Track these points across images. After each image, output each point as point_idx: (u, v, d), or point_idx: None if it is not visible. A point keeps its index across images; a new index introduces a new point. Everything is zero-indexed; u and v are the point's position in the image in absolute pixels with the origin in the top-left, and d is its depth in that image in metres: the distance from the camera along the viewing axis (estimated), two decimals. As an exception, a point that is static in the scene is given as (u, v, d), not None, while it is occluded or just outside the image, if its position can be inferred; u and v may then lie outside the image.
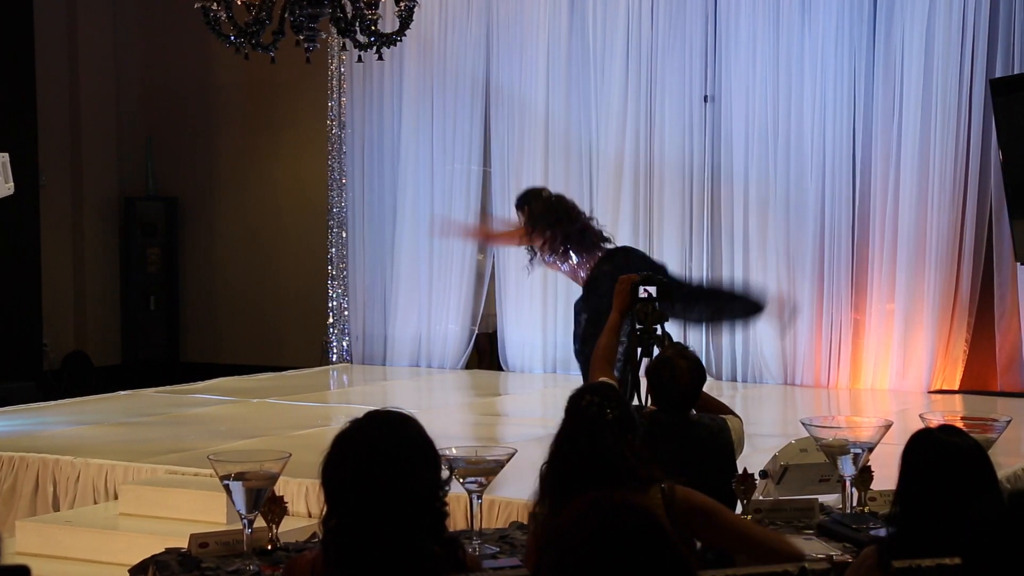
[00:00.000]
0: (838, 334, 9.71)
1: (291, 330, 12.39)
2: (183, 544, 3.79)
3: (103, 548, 5.71)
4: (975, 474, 3.05)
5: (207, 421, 8.16)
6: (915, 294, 9.47)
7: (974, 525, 2.36)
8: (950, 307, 9.41)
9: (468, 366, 11.08)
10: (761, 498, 4.30)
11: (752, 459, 4.99)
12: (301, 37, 7.47)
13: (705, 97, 10.11)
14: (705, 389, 4.62)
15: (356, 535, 2.74)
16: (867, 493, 4.21)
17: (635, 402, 5.08)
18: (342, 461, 2.80)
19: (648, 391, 4.61)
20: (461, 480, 3.81)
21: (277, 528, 3.78)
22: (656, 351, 4.98)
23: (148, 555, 3.80)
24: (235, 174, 12.78)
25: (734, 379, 10.02)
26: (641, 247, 9.43)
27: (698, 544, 3.36)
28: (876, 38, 9.58)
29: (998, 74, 9.15)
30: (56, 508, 6.52)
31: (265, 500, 3.68)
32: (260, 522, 3.72)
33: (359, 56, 7.94)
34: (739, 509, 4.23)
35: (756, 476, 4.37)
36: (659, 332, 5.11)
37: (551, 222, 7.80)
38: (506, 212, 10.21)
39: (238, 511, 3.67)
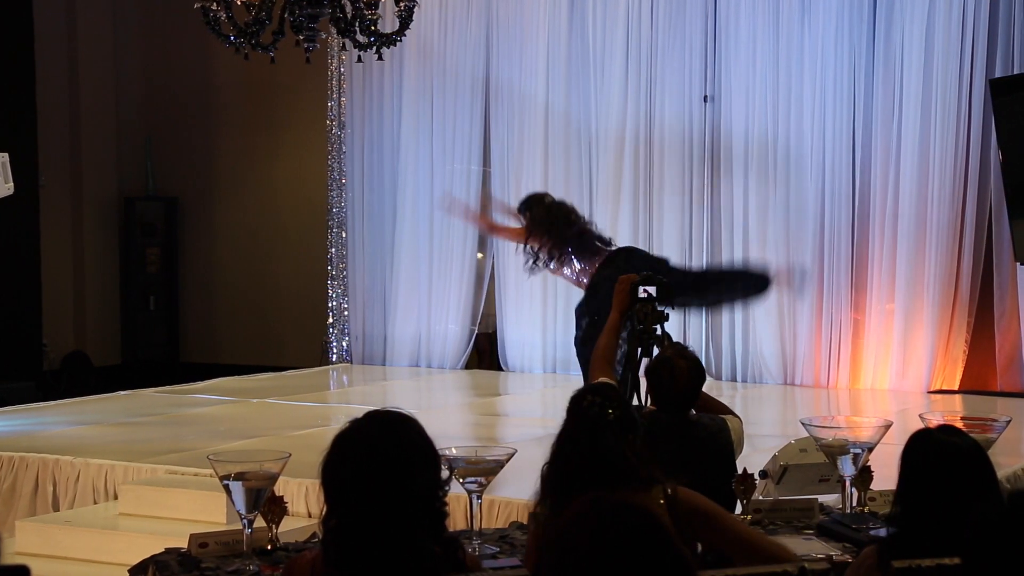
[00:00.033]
0: (838, 334, 9.71)
1: (291, 330, 12.39)
2: (183, 544, 3.78)
3: (103, 548, 5.71)
4: (974, 474, 3.05)
5: (207, 421, 8.17)
6: (915, 294, 9.47)
7: (974, 525, 2.36)
8: (950, 307, 9.41)
9: (468, 366, 11.09)
10: (761, 498, 4.30)
11: (752, 459, 4.99)
12: (301, 37, 7.47)
13: (705, 97, 10.11)
14: (705, 389, 4.61)
15: (356, 535, 2.74)
16: (867, 493, 4.21)
17: (635, 402, 5.08)
18: (342, 461, 2.80)
19: (647, 391, 4.61)
20: (461, 480, 3.81)
21: (277, 528, 3.78)
22: (656, 351, 4.98)
23: (148, 555, 3.80)
24: (235, 174, 12.78)
25: (734, 379, 10.02)
26: (641, 247, 9.42)
27: (699, 547, 3.36)
28: (876, 38, 9.58)
29: (998, 74, 9.15)
30: (56, 508, 6.52)
31: (265, 500, 3.68)
32: (260, 522, 3.72)
33: (359, 56, 7.94)
34: (739, 509, 4.23)
35: (756, 476, 4.37)
36: (659, 332, 5.11)
37: (548, 228, 7.86)
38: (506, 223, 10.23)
39: (238, 511, 3.67)
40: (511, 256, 10.13)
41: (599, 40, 10.38)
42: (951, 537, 2.72)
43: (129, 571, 3.81)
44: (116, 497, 6.32)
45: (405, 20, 7.76)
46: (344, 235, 11.36)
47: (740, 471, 4.28)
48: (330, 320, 11.39)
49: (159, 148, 12.98)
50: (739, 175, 9.98)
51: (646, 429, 3.54)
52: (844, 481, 4.11)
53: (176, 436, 7.47)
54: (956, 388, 9.39)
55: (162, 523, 5.79)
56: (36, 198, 11.59)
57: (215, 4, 7.34)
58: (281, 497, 3.80)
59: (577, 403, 3.44)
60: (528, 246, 7.96)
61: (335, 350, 11.37)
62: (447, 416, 8.76)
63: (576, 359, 7.93)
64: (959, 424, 4.34)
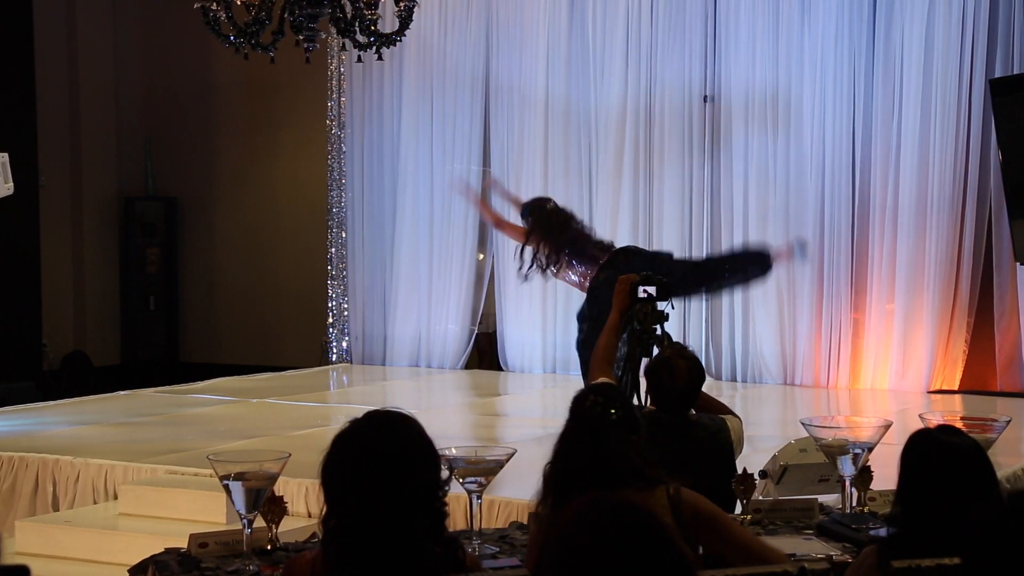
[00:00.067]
0: (838, 334, 9.71)
1: (291, 330, 12.39)
2: (183, 544, 3.78)
3: (103, 548, 5.71)
4: (974, 474, 3.05)
5: (207, 421, 8.17)
6: (915, 294, 9.47)
7: (974, 525, 2.35)
8: (950, 307, 9.41)
9: (468, 366, 11.09)
10: (761, 498, 4.30)
11: (752, 459, 4.99)
12: (300, 37, 7.47)
13: (705, 97, 10.12)
14: (704, 389, 4.62)
15: (356, 535, 2.74)
16: (867, 493, 4.20)
17: (635, 402, 5.08)
18: (342, 461, 2.80)
19: (647, 391, 4.61)
20: (461, 480, 3.81)
21: (277, 528, 3.78)
22: (655, 351, 4.98)
23: (148, 555, 3.80)
24: (235, 174, 12.78)
25: (734, 379, 10.02)
26: (641, 246, 9.41)
27: (699, 548, 3.36)
28: (876, 38, 9.59)
29: (998, 74, 9.15)
30: (56, 508, 6.52)
31: (265, 500, 3.68)
32: (260, 522, 3.72)
33: (359, 56, 7.94)
34: (739, 509, 4.23)
35: (756, 476, 4.37)
36: (659, 332, 5.11)
37: (547, 233, 7.90)
38: (505, 211, 10.21)
39: (238, 511, 3.67)
40: (511, 256, 10.14)
41: (599, 40, 10.38)
42: (951, 537, 2.72)
43: (129, 571, 3.81)
44: (116, 497, 6.32)
45: (405, 20, 7.76)
46: (344, 235, 11.36)
47: (740, 471, 4.28)
48: (330, 320, 11.39)
49: (159, 148, 12.98)
50: (739, 175, 9.98)
51: (646, 429, 3.54)
52: (844, 481, 4.10)
53: (176, 436, 7.47)
54: (956, 388, 9.40)
55: (162, 523, 5.79)
56: (36, 198, 11.60)
57: (215, 4, 7.34)
58: (281, 497, 3.80)
59: (580, 403, 3.44)
60: (528, 249, 7.99)
61: (335, 350, 11.37)
62: (447, 416, 8.76)
63: (577, 360, 7.93)
64: (959, 424, 4.34)
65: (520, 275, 8.10)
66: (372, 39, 7.66)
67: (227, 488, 3.65)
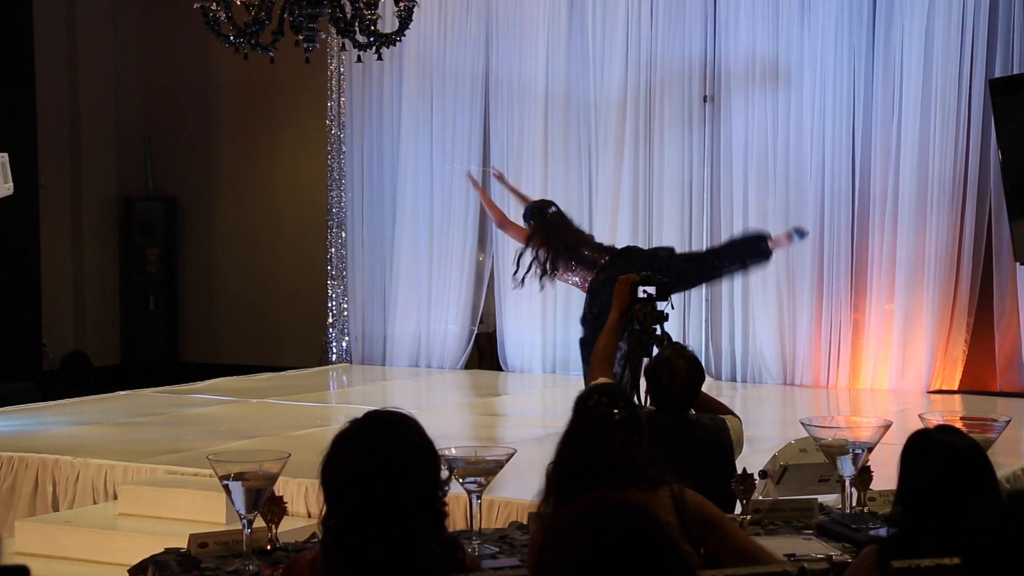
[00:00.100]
0: (838, 334, 9.71)
1: (290, 330, 12.39)
2: (182, 544, 3.78)
3: (102, 548, 5.71)
4: (974, 474, 3.05)
5: (206, 421, 8.17)
6: (914, 294, 9.47)
7: (974, 525, 2.35)
8: (949, 307, 9.41)
9: (468, 366, 11.09)
10: (760, 498, 4.29)
11: (752, 459, 4.99)
12: (300, 37, 7.47)
13: (705, 97, 10.12)
14: (704, 389, 4.62)
15: (356, 535, 2.74)
16: (866, 493, 4.20)
17: (634, 402, 5.08)
18: (341, 461, 2.80)
19: (647, 391, 4.61)
20: (460, 480, 3.80)
21: (276, 528, 3.78)
22: (655, 351, 4.98)
23: (147, 555, 3.80)
24: (234, 174, 12.78)
25: (734, 379, 10.03)
26: (641, 245, 9.41)
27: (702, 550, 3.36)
28: (876, 38, 9.59)
29: (997, 74, 9.15)
30: (55, 508, 6.52)
31: (264, 500, 3.68)
32: (259, 522, 3.72)
33: (358, 56, 7.94)
34: (738, 509, 4.23)
35: (756, 476, 4.37)
36: (658, 332, 5.11)
37: (547, 238, 7.91)
38: (511, 207, 10.20)
39: (237, 511, 3.67)
40: (511, 256, 10.13)
41: (599, 40, 10.38)
42: (951, 537, 2.72)
43: (129, 571, 3.81)
44: (116, 497, 6.32)
45: (405, 20, 7.76)
46: (344, 235, 11.36)
47: (740, 471, 4.27)
48: (330, 320, 11.39)
49: (159, 148, 12.98)
50: (739, 176, 9.98)
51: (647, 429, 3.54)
52: (844, 481, 4.10)
53: (176, 436, 7.47)
54: (956, 388, 9.40)
55: (162, 523, 5.79)
56: (36, 198, 11.60)
57: (215, 4, 7.34)
58: (281, 497, 3.80)
59: (583, 403, 3.44)
60: (527, 254, 7.99)
61: (335, 350, 11.37)
62: (447, 416, 8.76)
63: (580, 360, 7.95)
64: (959, 424, 4.34)
65: (515, 280, 8.07)
66: (372, 39, 7.66)
67: (227, 488, 3.65)
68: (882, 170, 9.57)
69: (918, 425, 3.81)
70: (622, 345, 5.16)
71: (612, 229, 10.02)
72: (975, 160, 9.34)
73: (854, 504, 4.14)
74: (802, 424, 4.26)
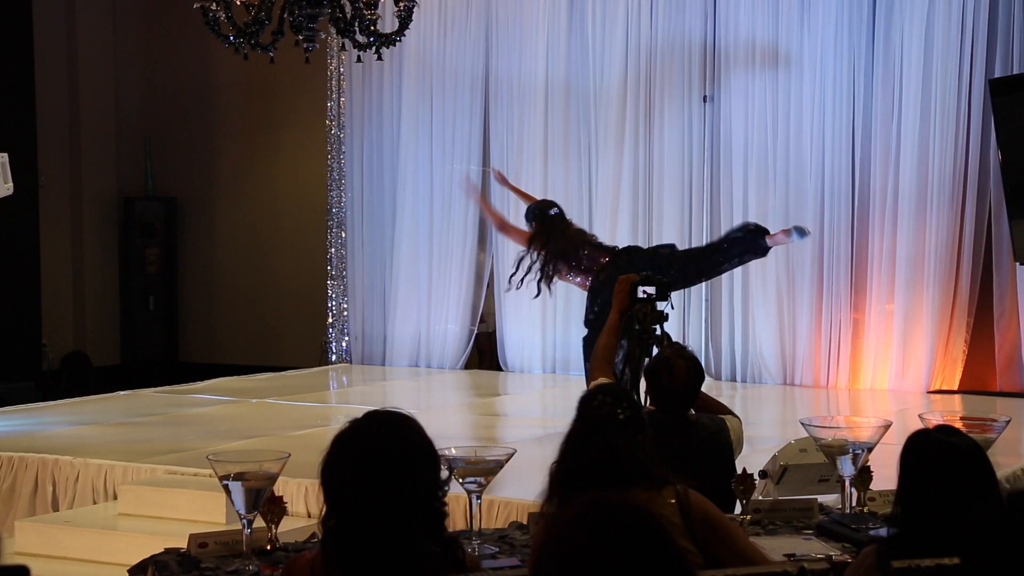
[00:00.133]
0: (837, 334, 9.71)
1: (290, 330, 12.39)
2: (182, 544, 3.78)
3: (102, 548, 5.71)
4: (973, 474, 3.05)
5: (206, 421, 8.16)
6: (914, 294, 9.47)
7: (974, 525, 2.35)
8: (949, 307, 9.41)
9: (468, 366, 11.09)
10: (760, 498, 4.30)
11: (752, 459, 4.99)
12: (300, 37, 7.47)
13: (705, 97, 10.12)
14: (704, 389, 4.62)
15: (355, 535, 2.74)
16: (866, 493, 4.20)
17: (634, 402, 5.08)
18: (341, 461, 2.80)
19: (647, 391, 4.60)
20: (460, 480, 3.80)
21: (276, 528, 3.78)
22: (655, 351, 4.98)
23: (147, 555, 3.80)
24: (234, 174, 12.78)
25: (733, 379, 10.02)
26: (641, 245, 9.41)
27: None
28: (875, 38, 9.59)
29: (997, 74, 9.15)
30: (55, 508, 6.51)
31: (264, 500, 3.68)
32: (259, 522, 3.72)
33: (358, 56, 7.93)
34: (738, 509, 4.23)
35: (755, 476, 4.37)
36: (658, 332, 5.11)
37: (546, 242, 7.90)
38: (504, 211, 10.19)
39: (237, 511, 3.67)
40: (511, 256, 10.14)
41: (598, 40, 10.38)
42: (951, 537, 2.72)
43: (129, 571, 3.81)
44: (116, 497, 6.32)
45: (404, 20, 7.76)
46: (344, 235, 11.36)
47: (740, 471, 4.28)
48: (330, 320, 11.39)
49: (158, 148, 12.98)
50: (739, 176, 9.98)
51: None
52: (844, 481, 4.10)
53: (176, 436, 7.47)
54: (956, 388, 9.39)
55: (162, 523, 5.79)
56: (36, 198, 11.60)
57: (215, 4, 7.34)
58: (280, 497, 3.80)
59: (587, 403, 3.44)
60: (529, 254, 7.99)
61: (334, 350, 11.37)
62: (447, 416, 8.76)
63: (580, 360, 7.95)
64: (958, 424, 4.34)
65: (514, 282, 8.05)
66: (372, 39, 7.66)
67: (227, 488, 3.65)
68: (882, 170, 9.57)
69: (918, 425, 3.81)
70: (623, 343, 5.16)
71: (612, 227, 10.02)
72: (975, 160, 9.34)
73: (854, 504, 4.14)
74: (802, 424, 4.26)
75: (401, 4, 7.75)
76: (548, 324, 10.62)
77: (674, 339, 5.38)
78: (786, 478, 4.60)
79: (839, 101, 9.65)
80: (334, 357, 11.35)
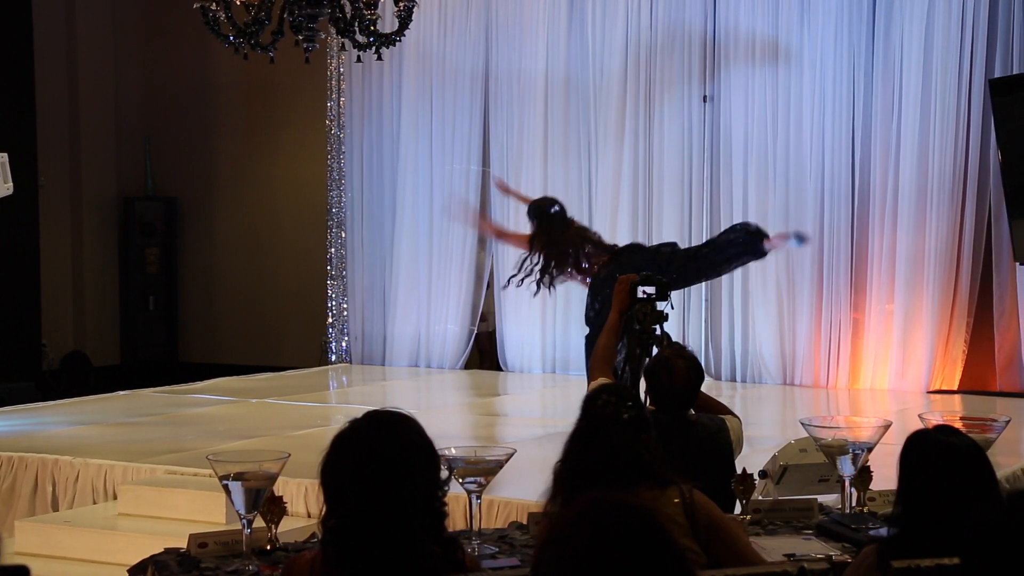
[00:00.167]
0: (837, 334, 9.71)
1: (290, 330, 12.39)
2: (182, 544, 3.78)
3: (102, 548, 5.71)
4: (973, 474, 3.05)
5: (206, 421, 8.16)
6: (914, 294, 9.47)
7: (974, 525, 2.35)
8: (949, 307, 9.41)
9: (468, 366, 11.08)
10: (760, 498, 4.30)
11: (751, 459, 4.99)
12: (300, 37, 7.47)
13: (705, 97, 10.12)
14: (704, 389, 4.61)
15: (355, 535, 2.74)
16: (866, 493, 4.20)
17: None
18: (341, 461, 2.79)
19: (646, 391, 4.60)
20: (460, 480, 3.80)
21: (276, 528, 3.78)
22: (655, 351, 4.97)
23: (147, 555, 3.80)
24: (234, 174, 12.78)
25: (733, 379, 10.02)
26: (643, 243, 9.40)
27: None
28: (875, 38, 9.59)
29: (997, 74, 9.15)
30: (55, 508, 6.51)
31: (264, 500, 3.68)
32: (259, 522, 3.72)
33: (358, 56, 7.94)
34: (738, 509, 4.23)
35: (755, 476, 4.37)
36: (658, 332, 5.10)
37: (547, 239, 7.89)
38: (504, 213, 10.21)
39: (237, 511, 3.67)
40: (511, 256, 10.13)
41: (598, 40, 10.38)
42: (951, 537, 2.72)
43: (128, 571, 3.81)
44: (115, 497, 6.32)
45: (404, 20, 7.76)
46: (344, 235, 11.36)
47: (740, 471, 4.28)
48: (329, 320, 11.38)
49: (158, 148, 12.98)
50: (739, 175, 9.98)
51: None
52: (843, 481, 4.10)
53: (175, 436, 7.47)
54: (955, 388, 9.39)
55: (161, 523, 5.79)
56: (36, 198, 11.60)
57: (214, 4, 7.34)
58: (280, 497, 3.80)
59: (592, 402, 3.44)
60: (530, 255, 7.97)
61: (334, 350, 11.37)
62: (447, 416, 8.76)
63: (580, 360, 7.95)
64: (958, 424, 4.34)
65: (513, 282, 8.04)
66: (372, 39, 7.66)
67: (227, 488, 3.65)
68: (882, 169, 9.57)
69: (918, 425, 3.81)
70: (623, 343, 5.16)
71: (612, 225, 10.01)
72: (975, 160, 9.34)
73: (854, 504, 4.14)
74: (802, 424, 4.26)
75: (401, 4, 7.75)
76: (548, 324, 10.61)
77: (674, 339, 5.38)
78: (786, 478, 4.60)
79: (839, 100, 9.65)
80: (334, 357, 11.35)
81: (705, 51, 10.11)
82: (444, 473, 2.90)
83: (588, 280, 7.82)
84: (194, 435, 7.47)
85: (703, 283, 9.38)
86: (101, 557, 5.64)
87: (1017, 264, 8.91)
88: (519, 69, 10.69)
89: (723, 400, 5.11)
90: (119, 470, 6.47)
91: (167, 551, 3.80)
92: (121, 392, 9.46)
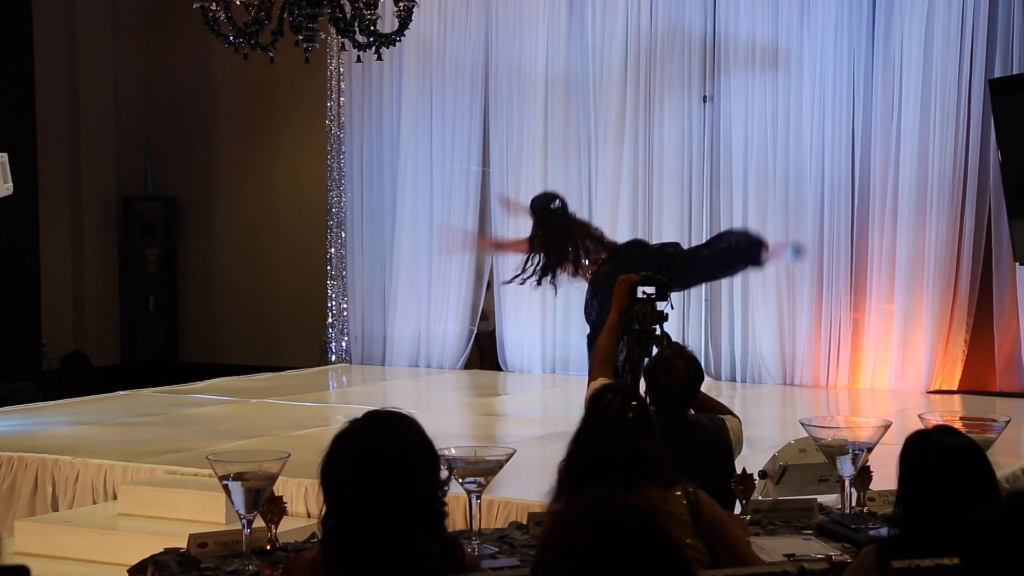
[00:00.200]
0: (837, 334, 9.71)
1: (290, 330, 12.39)
2: (182, 544, 3.78)
3: (102, 548, 5.71)
4: (973, 474, 3.05)
5: (206, 421, 8.16)
6: (914, 294, 9.47)
7: (974, 525, 2.35)
8: (949, 307, 9.41)
9: (468, 366, 11.08)
10: (760, 498, 4.30)
11: (751, 459, 4.99)
12: (300, 37, 7.47)
13: (704, 97, 10.12)
14: (704, 389, 4.61)
15: (355, 535, 2.74)
16: (866, 493, 4.21)
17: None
18: (341, 461, 2.79)
19: (646, 391, 4.60)
20: (460, 480, 3.80)
21: (276, 528, 3.78)
22: (655, 351, 4.98)
23: (147, 555, 3.80)
24: (234, 174, 12.78)
25: (733, 379, 10.02)
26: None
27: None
28: (875, 38, 9.59)
29: (997, 74, 9.15)
30: (55, 508, 6.51)
31: (264, 500, 3.68)
32: (259, 522, 3.72)
33: (358, 56, 7.94)
34: (738, 509, 4.23)
35: (755, 476, 4.37)
36: (658, 332, 5.11)
37: (547, 237, 7.88)
38: (504, 223, 10.21)
39: (237, 511, 3.67)
40: (511, 256, 10.14)
41: (598, 40, 10.38)
42: (951, 537, 2.72)
43: (128, 571, 3.81)
44: (115, 497, 6.32)
45: (404, 20, 7.77)
46: (344, 235, 11.36)
47: (739, 471, 4.28)
48: (329, 320, 11.38)
49: (158, 148, 12.98)
50: (738, 176, 9.98)
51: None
52: (843, 481, 4.10)
53: (175, 436, 7.47)
54: (955, 388, 9.39)
55: (161, 523, 5.79)
56: (36, 198, 11.61)
57: (214, 4, 7.34)
58: (280, 497, 3.80)
59: (596, 401, 3.44)
60: (532, 255, 7.95)
61: (334, 350, 11.37)
62: (447, 416, 8.76)
63: (580, 360, 7.94)
64: (958, 424, 4.34)
65: (517, 280, 8.03)
66: (371, 39, 7.66)
67: (226, 488, 3.65)
68: (882, 170, 9.57)
69: (918, 425, 3.81)
70: (623, 349, 5.16)
71: (612, 223, 10.00)
72: (975, 160, 9.34)
73: (854, 504, 4.14)
74: (802, 424, 4.27)
75: (401, 4, 7.75)
76: (548, 324, 10.61)
77: (674, 339, 5.38)
78: (786, 478, 4.60)
79: (839, 100, 9.65)
80: (334, 357, 11.35)
81: (705, 51, 10.10)
82: (444, 473, 2.90)
83: (588, 275, 7.80)
84: (194, 435, 7.47)
85: (703, 284, 9.38)
86: (101, 557, 5.64)
87: (1017, 264, 8.91)
88: (519, 68, 10.69)
89: (723, 400, 5.11)
90: (119, 470, 6.47)
91: (167, 551, 3.80)
92: (121, 392, 9.46)
